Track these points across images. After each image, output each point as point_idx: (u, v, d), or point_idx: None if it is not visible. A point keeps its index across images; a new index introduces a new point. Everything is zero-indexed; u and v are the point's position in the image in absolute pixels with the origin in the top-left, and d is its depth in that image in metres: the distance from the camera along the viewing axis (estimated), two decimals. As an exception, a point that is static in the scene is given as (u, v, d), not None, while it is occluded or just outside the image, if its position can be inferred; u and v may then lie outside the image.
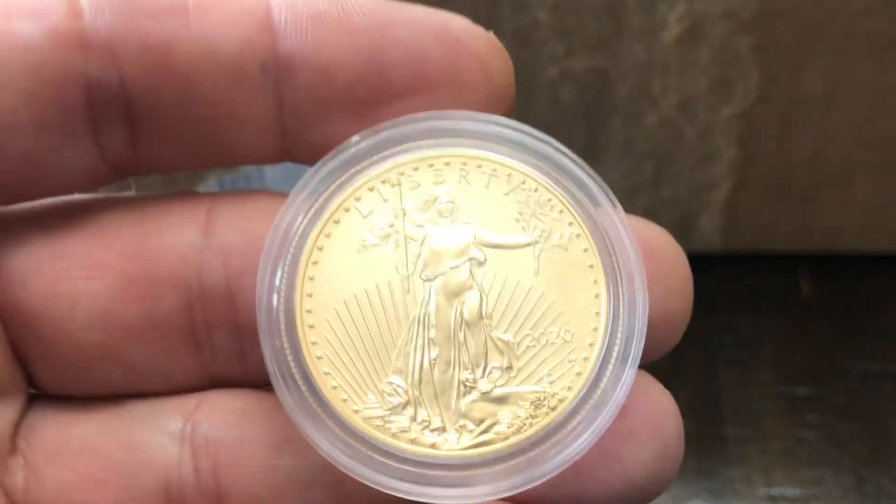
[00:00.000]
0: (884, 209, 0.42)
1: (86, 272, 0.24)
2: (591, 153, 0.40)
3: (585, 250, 0.23)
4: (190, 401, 0.25)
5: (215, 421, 0.25)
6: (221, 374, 0.25)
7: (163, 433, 0.25)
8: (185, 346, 0.25)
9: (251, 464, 0.24)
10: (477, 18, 0.37)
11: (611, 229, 0.23)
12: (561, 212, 0.24)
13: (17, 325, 0.25)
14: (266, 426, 0.25)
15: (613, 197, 0.24)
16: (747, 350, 0.43)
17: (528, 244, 0.23)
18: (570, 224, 0.24)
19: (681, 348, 0.25)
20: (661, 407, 0.24)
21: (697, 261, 0.45)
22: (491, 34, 0.24)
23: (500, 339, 0.23)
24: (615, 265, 0.23)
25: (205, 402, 0.25)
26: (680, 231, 0.44)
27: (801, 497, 0.40)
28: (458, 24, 0.24)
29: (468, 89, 0.24)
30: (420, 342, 0.23)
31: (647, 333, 0.23)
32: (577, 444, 0.22)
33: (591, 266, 0.23)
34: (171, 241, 0.24)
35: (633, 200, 0.42)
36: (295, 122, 0.24)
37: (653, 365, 0.24)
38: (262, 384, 0.24)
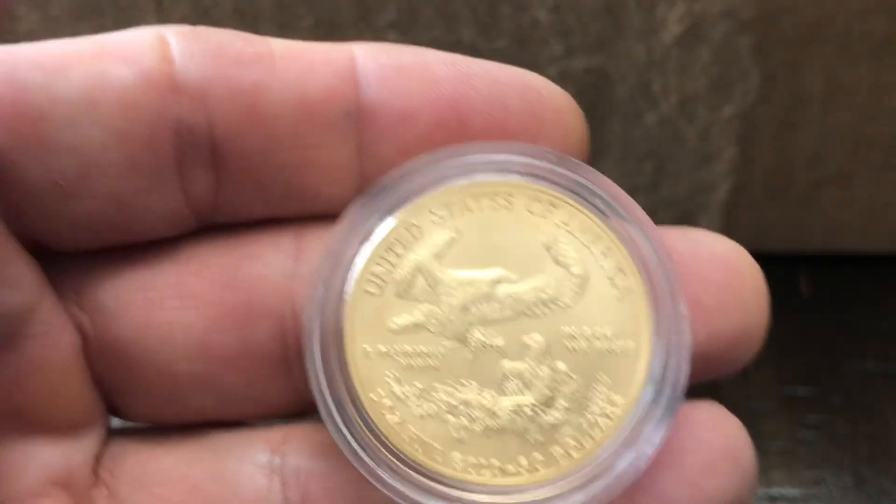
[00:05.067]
0: (884, 209, 0.42)
1: (180, 302, 0.24)
2: (590, 153, 0.40)
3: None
4: (276, 433, 0.25)
5: (303, 452, 0.25)
6: (312, 399, 0.25)
7: (251, 463, 0.25)
8: (279, 372, 0.25)
9: (342, 495, 0.24)
10: (477, 18, 0.37)
11: (648, 257, 0.24)
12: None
13: (110, 358, 0.24)
14: None
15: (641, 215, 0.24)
16: (747, 350, 0.43)
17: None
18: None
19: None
20: (737, 438, 0.24)
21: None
22: (568, 95, 0.24)
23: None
24: (657, 299, 0.24)
25: (292, 434, 0.25)
26: (680, 231, 0.44)
27: (801, 497, 0.40)
28: (537, 80, 0.24)
29: (545, 143, 0.24)
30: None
31: (724, 350, 0.24)
32: (635, 454, 0.23)
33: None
34: (262, 269, 0.25)
35: (633, 200, 0.42)
36: (374, 168, 0.24)
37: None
38: None
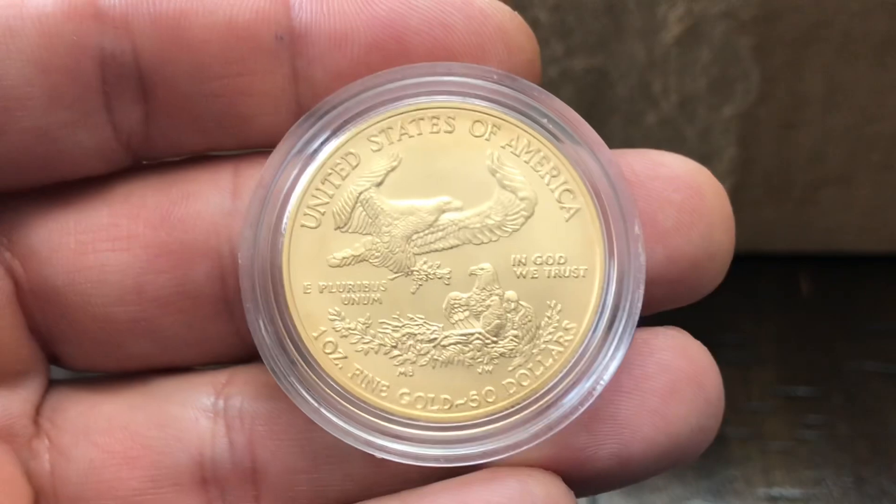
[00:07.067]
0: (884, 209, 0.42)
1: (112, 244, 0.24)
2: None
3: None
4: (220, 375, 0.25)
5: (248, 394, 0.24)
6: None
7: (195, 408, 0.24)
8: (219, 314, 0.24)
9: (288, 436, 0.24)
10: (477, 18, 0.37)
11: (598, 179, 0.23)
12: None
13: (43, 303, 0.24)
14: None
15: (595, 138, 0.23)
16: (747, 350, 0.43)
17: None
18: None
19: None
20: (701, 363, 0.23)
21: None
22: (515, 13, 0.23)
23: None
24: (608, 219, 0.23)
25: (236, 377, 0.25)
26: (680, 231, 0.44)
27: (801, 497, 0.40)
28: None
29: (490, 61, 0.23)
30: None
31: (686, 272, 0.23)
32: (585, 385, 0.22)
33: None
34: (199, 208, 0.24)
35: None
36: (311, 95, 0.23)
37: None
38: None
